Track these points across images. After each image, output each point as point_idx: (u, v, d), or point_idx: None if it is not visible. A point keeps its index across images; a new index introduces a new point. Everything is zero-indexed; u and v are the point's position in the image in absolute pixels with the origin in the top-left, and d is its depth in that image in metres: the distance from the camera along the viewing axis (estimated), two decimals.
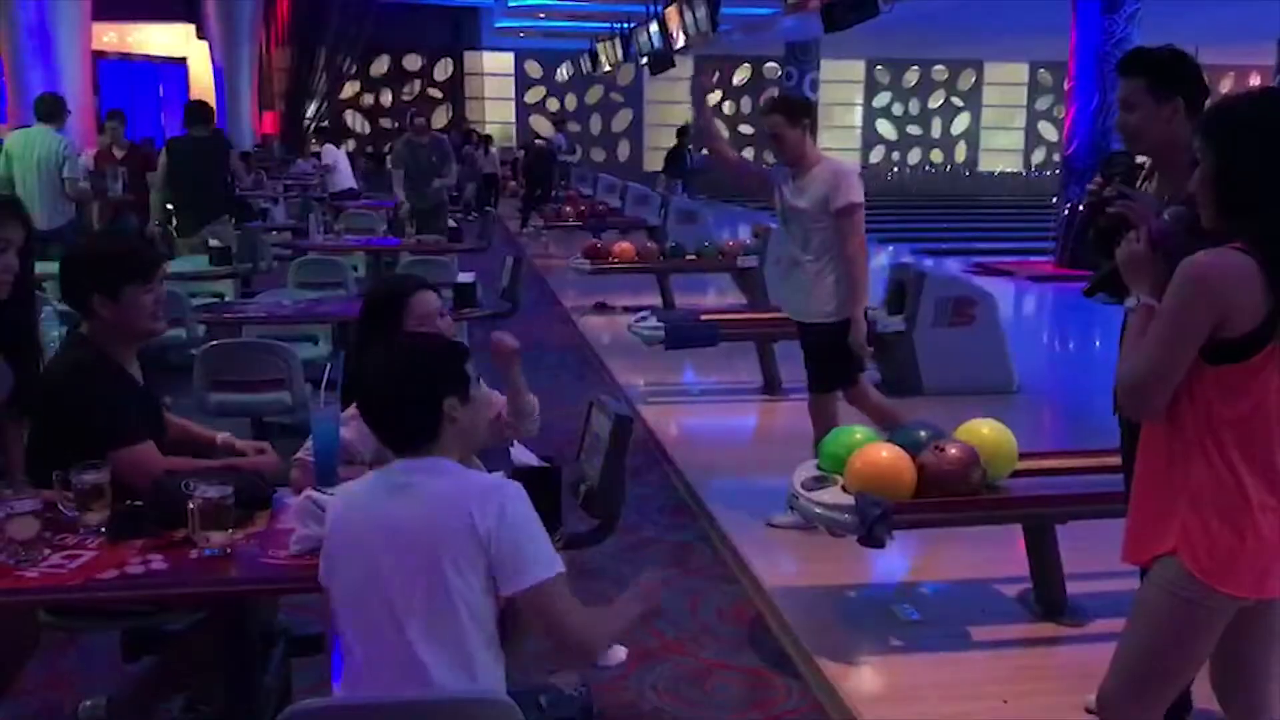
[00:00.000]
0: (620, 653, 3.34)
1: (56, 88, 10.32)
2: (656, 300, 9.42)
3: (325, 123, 20.74)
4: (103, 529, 2.48)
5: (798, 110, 4.55)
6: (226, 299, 6.93)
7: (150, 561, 2.37)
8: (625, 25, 18.38)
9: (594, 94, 27.55)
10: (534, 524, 2.10)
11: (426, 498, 2.06)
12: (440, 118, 26.34)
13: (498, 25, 23.76)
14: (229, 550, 2.41)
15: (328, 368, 2.97)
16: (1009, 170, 28.99)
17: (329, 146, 15.06)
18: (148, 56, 20.69)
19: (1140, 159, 3.01)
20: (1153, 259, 2.22)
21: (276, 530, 2.51)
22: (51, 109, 8.16)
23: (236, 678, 2.60)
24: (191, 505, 2.38)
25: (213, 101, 19.18)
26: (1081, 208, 2.98)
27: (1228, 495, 2.11)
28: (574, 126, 23.96)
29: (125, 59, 19.66)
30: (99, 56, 18.58)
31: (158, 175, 8.28)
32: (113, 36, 18.94)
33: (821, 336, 4.59)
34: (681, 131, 18.07)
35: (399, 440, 2.15)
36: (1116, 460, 3.44)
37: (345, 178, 14.30)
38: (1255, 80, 28.60)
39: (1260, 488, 2.11)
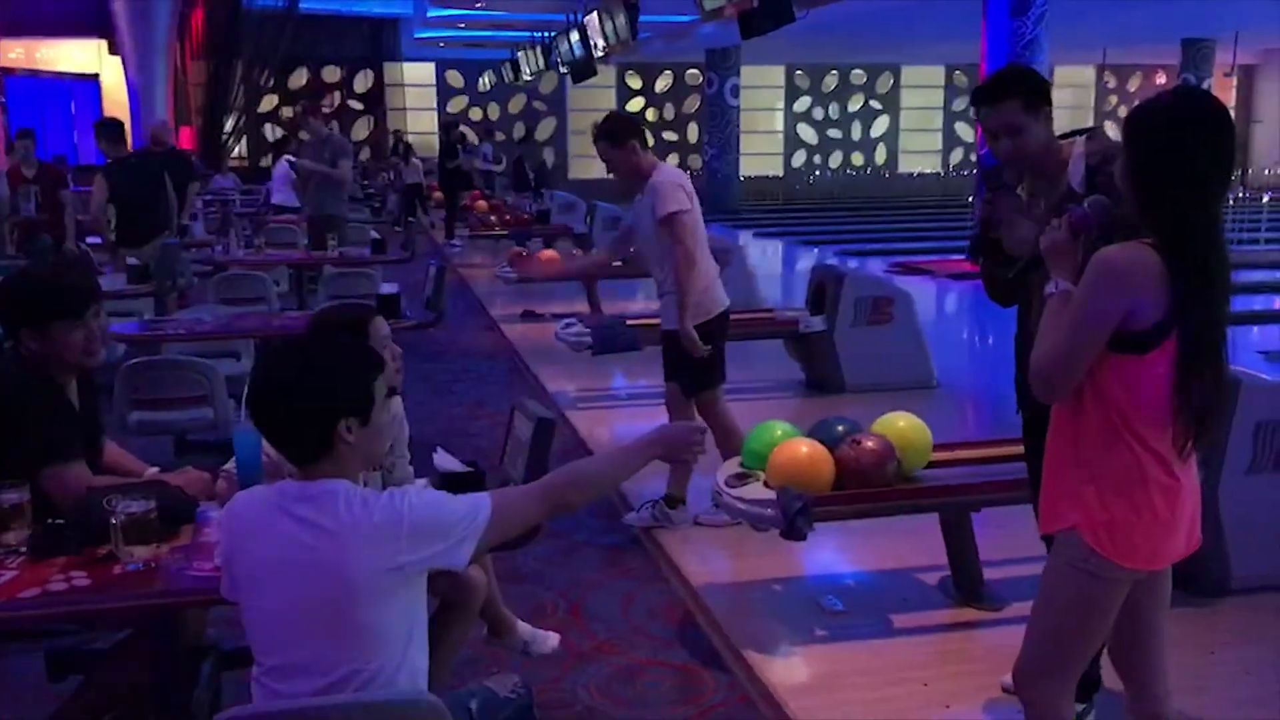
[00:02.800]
0: (552, 639, 3.38)
1: None
2: (584, 307, 9.46)
3: (281, 135, 20.61)
4: (23, 548, 2.47)
5: (620, 132, 4.55)
6: (145, 317, 6.82)
7: (73, 578, 2.36)
8: (546, 34, 18.40)
9: (517, 103, 27.50)
10: (438, 507, 2.07)
11: (329, 530, 1.98)
12: (361, 130, 26.12)
13: (417, 36, 23.59)
14: (154, 564, 2.41)
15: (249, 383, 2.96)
16: (928, 171, 29.50)
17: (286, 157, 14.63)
18: (58, 73, 20.24)
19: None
20: (1073, 245, 2.30)
21: (201, 543, 2.52)
22: None
23: (168, 692, 2.59)
24: (114, 520, 2.38)
25: (127, 117, 18.93)
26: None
27: (1127, 474, 2.21)
28: (499, 136, 23.90)
29: (34, 75, 19.23)
30: (6, 73, 18.18)
31: (96, 194, 8.13)
32: (20, 53, 18.53)
33: (673, 344, 4.65)
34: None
35: (289, 453, 2.08)
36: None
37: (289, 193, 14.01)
38: (1161, 80, 29.46)
39: (1157, 467, 2.22)
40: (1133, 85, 29.97)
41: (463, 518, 2.09)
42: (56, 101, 19.81)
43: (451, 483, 2.61)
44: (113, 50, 19.11)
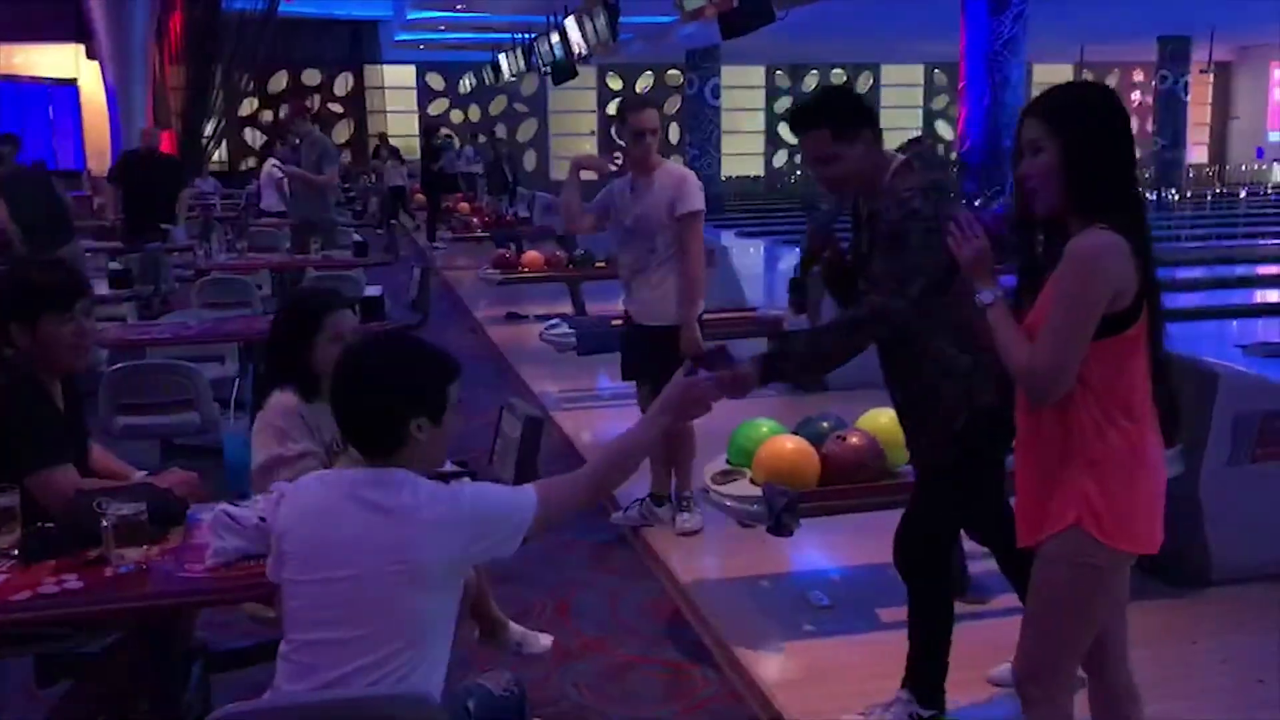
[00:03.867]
0: (545, 639, 3.40)
1: None
2: (568, 308, 9.47)
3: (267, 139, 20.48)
4: (14, 551, 2.47)
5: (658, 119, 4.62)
6: (128, 322, 6.82)
7: (65, 581, 2.37)
8: (526, 36, 18.40)
9: (498, 105, 27.50)
10: (495, 499, 2.17)
11: (399, 514, 2.04)
12: (342, 132, 26.05)
13: (397, 39, 23.58)
14: (145, 566, 2.42)
15: (236, 386, 2.98)
16: None
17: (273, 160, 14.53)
18: (35, 78, 20.13)
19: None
20: (991, 252, 2.34)
21: (192, 545, 2.53)
22: None
23: (160, 694, 2.60)
24: (105, 523, 2.39)
25: (106, 122, 18.81)
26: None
27: (1124, 457, 2.23)
28: (482, 139, 23.89)
29: (11, 81, 19.13)
30: None
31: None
32: None
33: (662, 339, 4.57)
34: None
35: (358, 442, 2.14)
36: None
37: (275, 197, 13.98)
38: (1139, 77, 29.68)
39: (1151, 444, 2.25)
40: (1110, 82, 30.17)
41: (516, 508, 2.18)
42: (34, 107, 19.71)
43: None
44: (90, 55, 19.01)
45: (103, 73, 18.73)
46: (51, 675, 2.95)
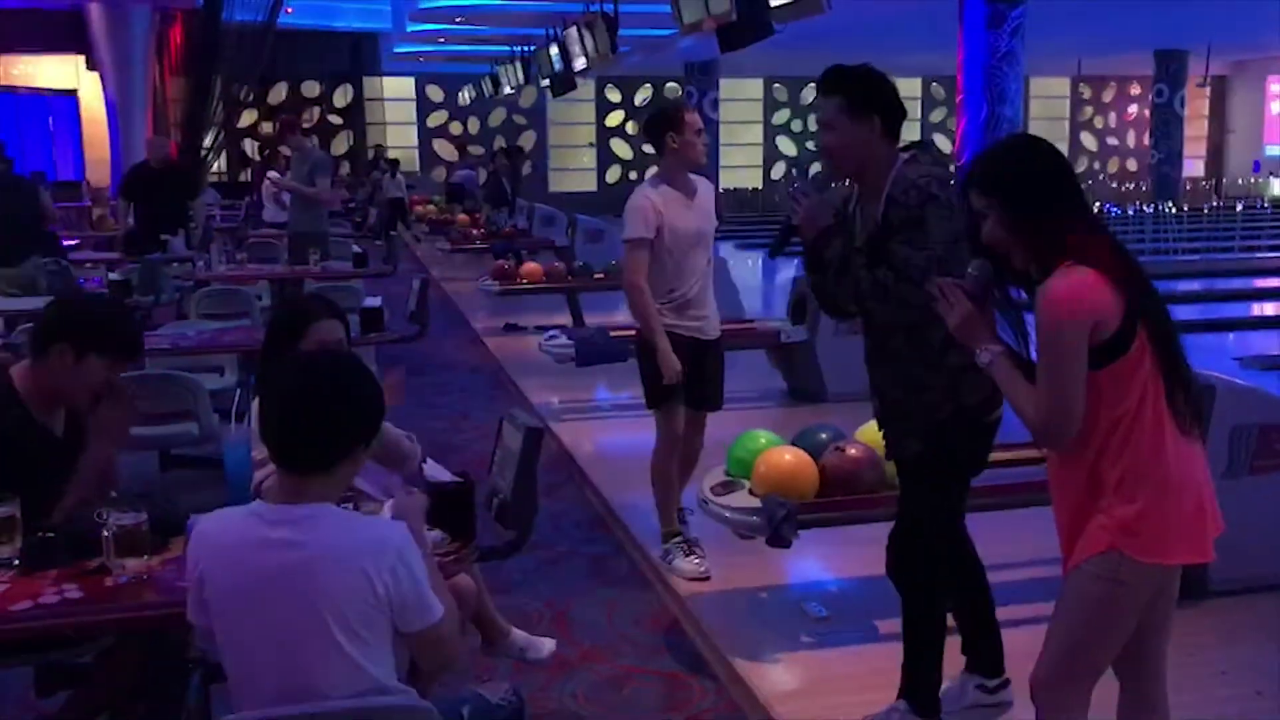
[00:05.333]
0: (548, 645, 3.40)
1: None
2: (566, 319, 9.49)
3: (267, 152, 20.47)
4: (15, 561, 2.48)
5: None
6: None
7: (65, 591, 2.37)
8: (526, 48, 18.46)
9: (497, 117, 27.55)
10: (420, 569, 2.06)
11: (311, 549, 1.98)
12: (341, 144, 26.09)
13: (396, 50, 23.62)
14: (145, 576, 2.42)
15: (237, 396, 2.98)
16: None
17: (271, 174, 14.55)
18: (35, 89, 20.16)
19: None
20: (979, 313, 2.39)
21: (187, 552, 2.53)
22: None
23: (159, 704, 2.60)
24: (106, 533, 2.39)
25: (105, 133, 18.83)
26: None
27: (1150, 476, 2.25)
28: (476, 149, 23.93)
29: (10, 92, 19.16)
30: None
31: None
32: None
33: (717, 354, 4.47)
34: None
35: (295, 463, 2.05)
36: (1012, 455, 3.64)
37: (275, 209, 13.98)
38: (1135, 90, 29.76)
39: (1179, 451, 2.26)
40: (1107, 96, 30.27)
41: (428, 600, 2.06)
42: (35, 118, 19.75)
43: (443, 493, 2.63)
44: (90, 66, 19.06)
45: (103, 84, 18.79)
46: (50, 685, 2.95)
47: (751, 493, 3.51)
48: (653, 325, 4.16)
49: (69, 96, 20.55)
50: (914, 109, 29.87)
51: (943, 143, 29.16)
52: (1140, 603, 2.31)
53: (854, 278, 2.90)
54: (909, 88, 29.33)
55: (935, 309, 2.44)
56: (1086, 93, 30.20)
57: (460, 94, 26.46)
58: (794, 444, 3.64)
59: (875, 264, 2.87)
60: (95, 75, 19.09)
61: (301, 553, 1.98)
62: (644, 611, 4.15)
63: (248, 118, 24.30)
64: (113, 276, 7.40)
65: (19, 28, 16.88)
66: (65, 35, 18.66)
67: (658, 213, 4.16)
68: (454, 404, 7.64)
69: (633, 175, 28.76)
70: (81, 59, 19.19)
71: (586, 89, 25.50)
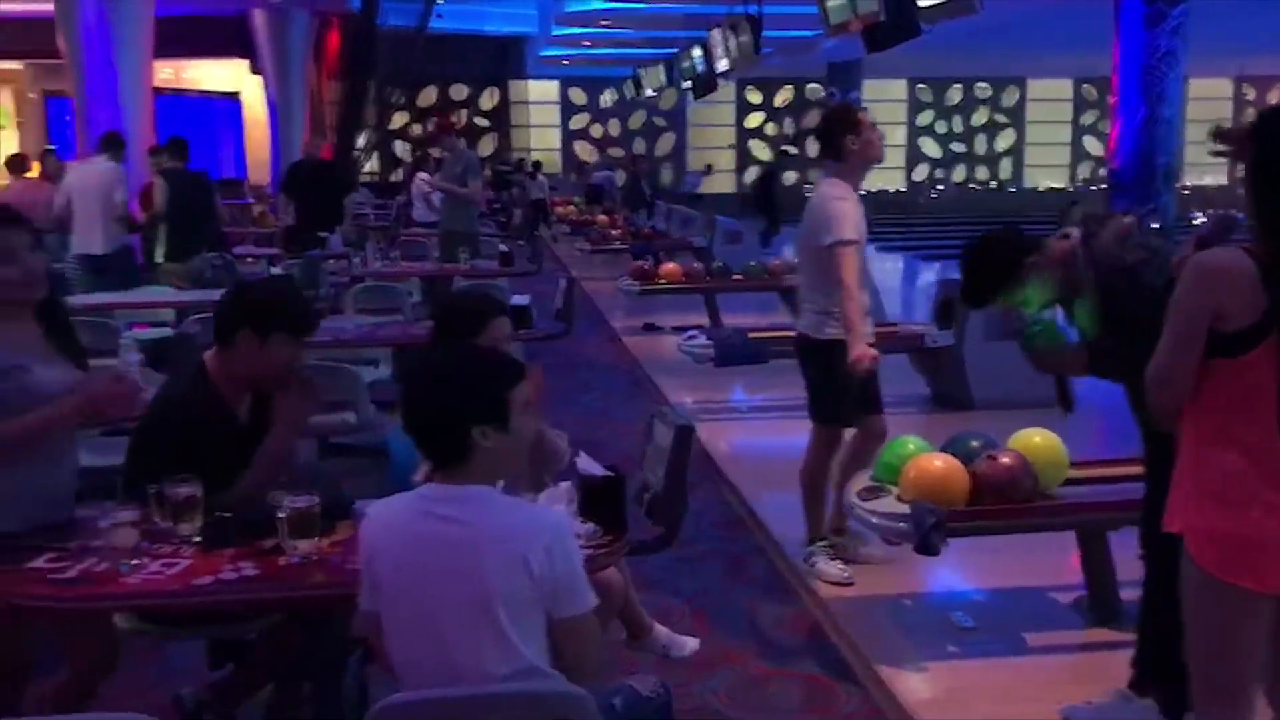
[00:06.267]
0: (691, 643, 3.43)
1: (119, 124, 10.67)
2: (703, 320, 9.51)
3: (419, 153, 21.22)
4: (196, 539, 2.63)
5: None
6: None
7: (242, 568, 2.50)
8: (668, 51, 18.58)
9: (637, 119, 27.77)
10: (578, 555, 2.14)
11: (473, 533, 2.07)
12: (486, 146, 26.66)
13: (542, 54, 24.06)
14: (315, 557, 2.54)
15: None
16: (1055, 186, 28.83)
17: (422, 175, 14.89)
18: (203, 92, 21.17)
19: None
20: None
21: (359, 538, 2.64)
22: (111, 142, 8.62)
23: (323, 680, 2.72)
24: (281, 515, 2.52)
25: (267, 134, 19.67)
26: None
27: (1226, 484, 2.19)
28: (616, 152, 24.23)
29: (180, 94, 20.13)
30: (156, 92, 19.10)
31: (158, 204, 8.63)
32: (169, 73, 19.42)
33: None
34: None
35: (431, 457, 2.18)
36: None
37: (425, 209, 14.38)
38: None
39: (1262, 477, 2.16)
40: (1273, 97, 28.80)
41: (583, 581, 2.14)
42: (201, 119, 20.71)
43: (594, 486, 2.69)
44: (254, 69, 19.95)
45: (264, 87, 19.65)
46: (221, 657, 3.12)
47: (899, 499, 3.47)
48: (859, 329, 4.06)
49: (233, 99, 21.51)
50: (1064, 111, 29.00)
51: (1093, 146, 28.28)
52: (1235, 614, 2.21)
53: None
54: (1059, 89, 28.54)
55: None
56: (1251, 93, 28.81)
57: (602, 96, 26.80)
58: (944, 450, 3.59)
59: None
60: (258, 78, 19.98)
61: (464, 530, 2.07)
62: (784, 614, 4.15)
63: (399, 120, 25.03)
64: (274, 271, 7.74)
65: (189, 34, 17.73)
66: (231, 40, 19.57)
67: (860, 219, 4.13)
68: (593, 402, 7.74)
69: None
70: (245, 63, 20.08)
71: (727, 91, 25.49)
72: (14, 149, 16.53)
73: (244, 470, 2.87)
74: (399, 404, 2.21)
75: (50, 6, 11.97)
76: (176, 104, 19.26)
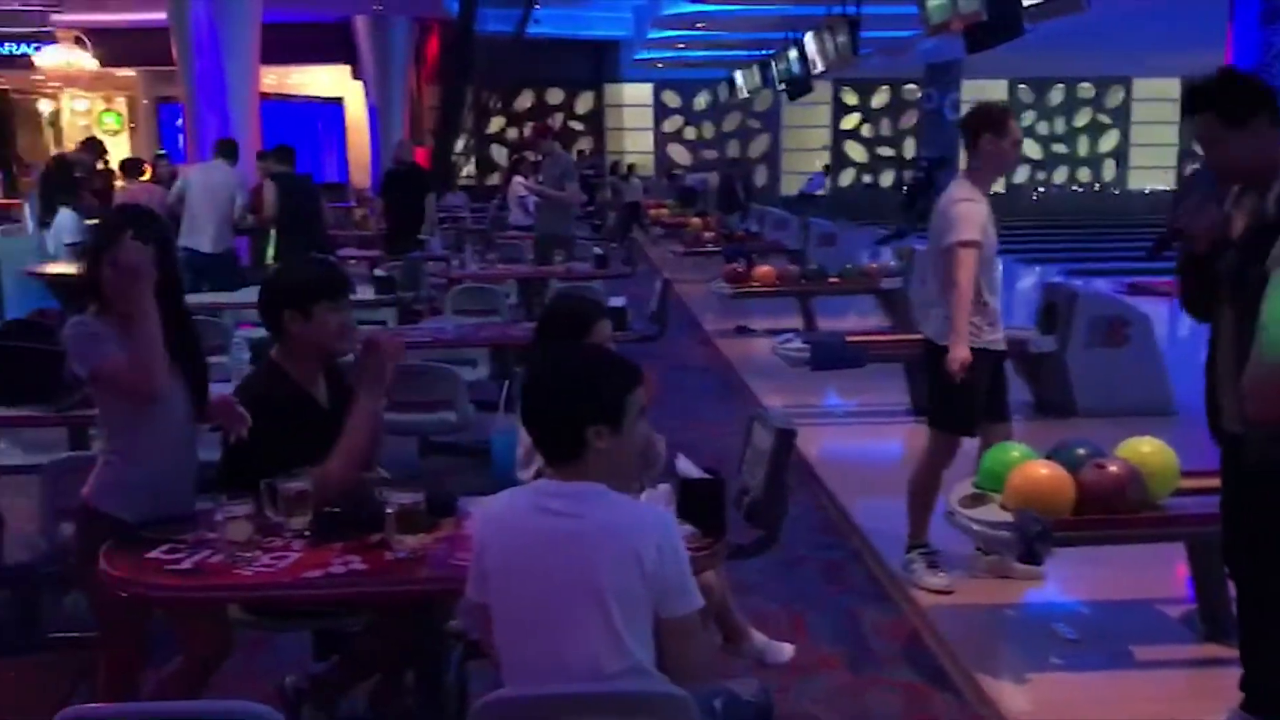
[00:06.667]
0: (787, 650, 3.42)
1: (227, 129, 11.01)
2: (795, 323, 9.45)
3: (515, 157, 21.64)
4: (306, 533, 2.70)
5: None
6: (389, 325, 7.27)
7: (350, 563, 2.56)
8: (764, 52, 18.51)
9: (731, 121, 27.73)
10: (685, 555, 2.16)
11: (586, 527, 2.10)
12: (582, 148, 26.88)
13: (637, 58, 24.16)
14: (420, 553, 2.59)
15: (505, 386, 3.15)
16: (1160, 188, 28.02)
17: (518, 178, 14.87)
18: (307, 97, 21.72)
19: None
20: None
21: (462, 534, 2.69)
22: (227, 148, 8.88)
23: (425, 674, 2.77)
24: (389, 511, 2.57)
25: (367, 139, 20.09)
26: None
27: None
28: (710, 154, 24.25)
29: (285, 100, 20.68)
30: (262, 98, 19.66)
31: (269, 207, 8.84)
32: (273, 79, 19.97)
33: None
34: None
35: (546, 453, 2.21)
36: None
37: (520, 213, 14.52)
38: None
39: None
40: None
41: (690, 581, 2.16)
42: (305, 123, 21.24)
43: (694, 489, 2.69)
44: (355, 75, 20.41)
45: (365, 92, 20.07)
46: (327, 648, 3.19)
47: (1002, 506, 3.41)
48: (963, 330, 3.98)
49: (336, 104, 22.02)
50: (1171, 111, 28.15)
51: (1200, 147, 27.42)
52: None
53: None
54: (1166, 89, 27.70)
55: None
56: None
57: (696, 99, 26.80)
58: (1048, 458, 3.51)
59: (1254, 258, 2.56)
60: (359, 84, 20.42)
61: (577, 524, 2.10)
62: (882, 621, 4.10)
63: (496, 124, 25.36)
64: (377, 273, 7.89)
65: (294, 40, 18.22)
66: (334, 47, 20.04)
67: (986, 226, 4.05)
68: (686, 403, 7.74)
69: (866, 179, 28.37)
70: (348, 68, 20.55)
71: (822, 92, 25.31)
72: (127, 153, 17.18)
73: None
74: (520, 398, 2.24)
75: (164, 15, 12.38)
76: (282, 109, 19.78)
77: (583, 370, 2.23)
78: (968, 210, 4.05)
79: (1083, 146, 28.45)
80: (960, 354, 3.95)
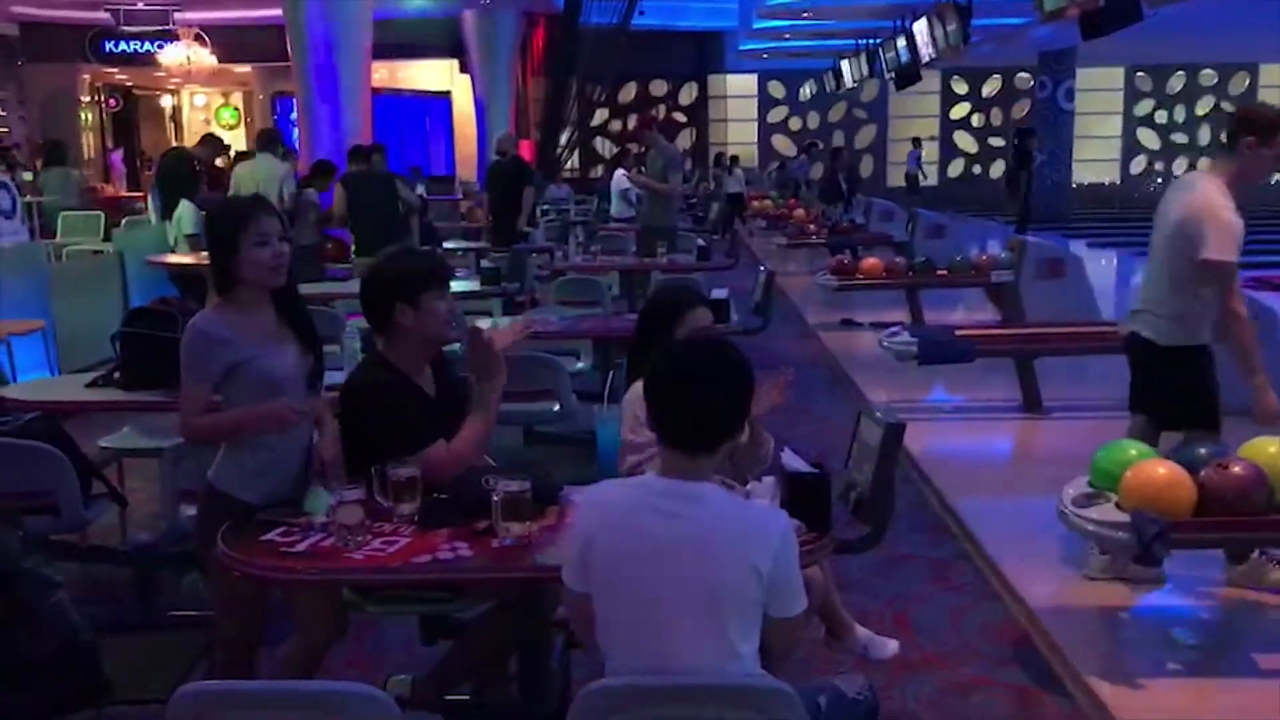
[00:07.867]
0: (891, 645, 3.37)
1: (340, 124, 11.27)
2: (900, 316, 9.29)
3: (619, 149, 21.71)
4: (415, 519, 2.74)
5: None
6: (494, 316, 7.36)
7: (457, 548, 2.60)
8: (871, 41, 18.24)
9: (837, 111, 27.40)
10: (797, 558, 2.14)
11: (704, 533, 2.08)
12: (684, 141, 26.84)
13: (742, 48, 24.03)
14: (526, 540, 2.61)
15: (610, 377, 3.16)
16: None
17: (621, 170, 14.99)
18: (415, 91, 22.11)
19: None
20: None
21: (566, 523, 2.70)
22: (270, 140, 9.15)
23: (530, 660, 2.80)
24: (495, 498, 2.60)
25: (474, 132, 20.38)
26: None
27: None
28: (819, 145, 23.98)
29: (395, 94, 21.09)
30: (373, 92, 20.10)
31: (337, 206, 9.12)
32: (384, 73, 20.40)
33: None
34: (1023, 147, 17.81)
35: (685, 442, 2.14)
36: None
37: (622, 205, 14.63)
38: None
39: None
40: None
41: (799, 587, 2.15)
42: (414, 117, 21.64)
43: (800, 483, 2.66)
44: (462, 69, 20.72)
45: (473, 86, 20.36)
46: (433, 634, 3.24)
47: (1119, 506, 3.31)
48: (1262, 372, 3.80)
49: (443, 98, 22.37)
50: None
51: None
52: None
53: None
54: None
55: None
56: None
57: (801, 89, 26.54)
58: (1168, 457, 3.39)
59: None
60: (466, 78, 20.73)
61: (692, 528, 2.07)
62: (990, 621, 4.02)
63: (600, 116, 25.47)
64: (484, 265, 7.99)
65: (404, 35, 18.57)
66: (442, 41, 20.37)
67: None
68: (790, 397, 7.66)
69: (976, 170, 27.80)
70: (455, 63, 20.87)
71: (930, 80, 24.85)
72: (243, 147, 17.71)
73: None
74: (657, 392, 2.17)
75: (279, 12, 12.73)
76: (392, 103, 20.18)
77: (735, 368, 2.18)
78: (1232, 224, 3.77)
79: (1204, 135, 27.43)
80: (1267, 404, 3.75)
